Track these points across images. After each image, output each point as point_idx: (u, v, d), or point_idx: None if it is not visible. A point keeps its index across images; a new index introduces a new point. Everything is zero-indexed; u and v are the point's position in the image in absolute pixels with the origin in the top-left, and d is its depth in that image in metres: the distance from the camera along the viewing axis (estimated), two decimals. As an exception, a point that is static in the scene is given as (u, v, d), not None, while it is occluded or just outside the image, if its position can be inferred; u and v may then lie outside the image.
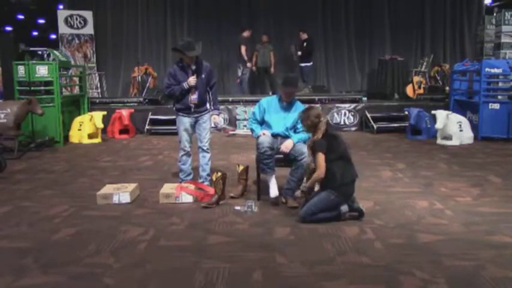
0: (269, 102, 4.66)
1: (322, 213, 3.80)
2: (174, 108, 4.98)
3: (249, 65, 10.86)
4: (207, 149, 4.94)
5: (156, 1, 12.57)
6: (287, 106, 4.60)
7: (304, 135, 4.37)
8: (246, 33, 10.91)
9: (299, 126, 4.42)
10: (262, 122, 4.63)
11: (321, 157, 3.75)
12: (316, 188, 4.14)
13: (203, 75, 4.81)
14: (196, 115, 4.88)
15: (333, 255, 3.18)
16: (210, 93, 4.96)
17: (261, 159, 4.37)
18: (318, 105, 4.19)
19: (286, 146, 4.34)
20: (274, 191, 4.36)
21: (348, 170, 3.85)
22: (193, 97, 4.79)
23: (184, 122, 4.88)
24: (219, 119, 5.11)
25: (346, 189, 3.84)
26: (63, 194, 4.85)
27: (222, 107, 9.61)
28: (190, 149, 4.98)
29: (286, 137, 4.47)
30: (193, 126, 4.95)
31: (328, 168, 3.77)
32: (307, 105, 4.37)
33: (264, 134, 4.46)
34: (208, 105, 4.94)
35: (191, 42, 4.70)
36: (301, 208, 3.92)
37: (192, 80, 4.73)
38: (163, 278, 2.88)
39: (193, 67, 4.76)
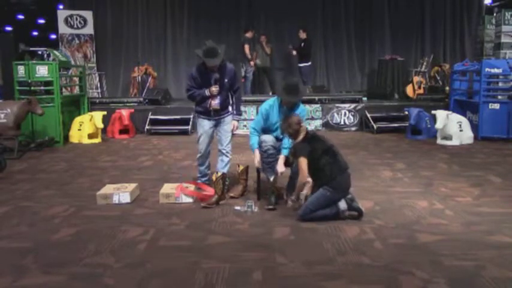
0: (269, 108, 4.47)
1: (321, 210, 3.80)
2: (194, 110, 4.83)
3: (252, 63, 10.91)
4: (227, 152, 4.76)
5: (156, 1, 12.57)
6: (288, 109, 4.46)
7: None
8: (249, 34, 10.97)
9: None
10: (263, 130, 4.50)
11: (303, 162, 3.81)
12: (305, 191, 4.16)
13: (226, 80, 4.59)
14: (217, 117, 4.70)
15: (333, 255, 3.18)
16: (234, 98, 4.78)
17: (264, 158, 4.35)
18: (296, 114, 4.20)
19: (280, 165, 4.26)
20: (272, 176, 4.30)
21: (336, 162, 3.87)
22: (215, 102, 4.60)
23: (204, 124, 4.70)
24: (237, 125, 4.93)
25: (339, 181, 3.84)
26: (63, 194, 4.85)
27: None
28: (208, 152, 4.81)
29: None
30: (214, 128, 4.76)
31: (316, 165, 3.81)
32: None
33: (257, 161, 4.40)
34: (230, 108, 4.77)
35: (213, 49, 4.44)
36: (300, 207, 3.93)
37: (215, 89, 4.53)
38: (163, 278, 2.88)
39: (217, 75, 4.54)
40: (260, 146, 4.38)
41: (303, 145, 3.88)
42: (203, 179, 4.87)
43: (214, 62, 4.43)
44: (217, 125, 4.74)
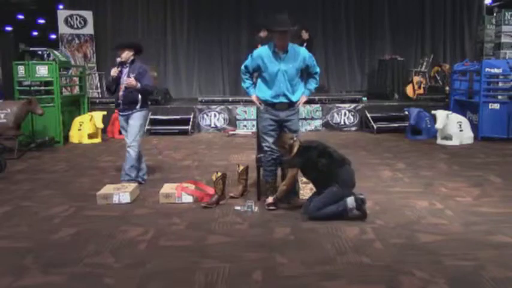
0: (262, 53, 4.06)
1: (329, 206, 3.82)
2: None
3: None
4: (130, 147, 5.08)
5: (156, 1, 12.57)
6: (284, 55, 4.04)
7: (314, 83, 4.34)
8: (262, 33, 10.90)
9: (311, 70, 4.24)
10: (263, 85, 4.18)
11: (291, 172, 4.11)
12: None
13: (132, 75, 5.01)
14: (125, 113, 5.08)
15: (333, 255, 3.18)
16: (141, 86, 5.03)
17: (265, 166, 4.35)
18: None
19: (301, 102, 4.30)
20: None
21: (333, 160, 3.90)
22: (120, 93, 5.06)
23: (119, 118, 5.19)
24: (135, 83, 5.03)
25: (341, 175, 3.87)
26: (63, 194, 4.85)
27: (222, 107, 9.65)
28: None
29: (289, 100, 4.15)
30: (126, 123, 5.13)
31: (316, 170, 3.89)
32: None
33: (258, 102, 4.24)
34: (138, 106, 5.04)
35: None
36: (306, 207, 3.94)
37: (113, 71, 5.09)
38: (163, 278, 2.88)
39: (127, 65, 5.12)
40: (263, 155, 4.36)
41: (296, 159, 3.98)
42: (133, 174, 5.08)
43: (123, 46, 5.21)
44: (127, 120, 5.10)
